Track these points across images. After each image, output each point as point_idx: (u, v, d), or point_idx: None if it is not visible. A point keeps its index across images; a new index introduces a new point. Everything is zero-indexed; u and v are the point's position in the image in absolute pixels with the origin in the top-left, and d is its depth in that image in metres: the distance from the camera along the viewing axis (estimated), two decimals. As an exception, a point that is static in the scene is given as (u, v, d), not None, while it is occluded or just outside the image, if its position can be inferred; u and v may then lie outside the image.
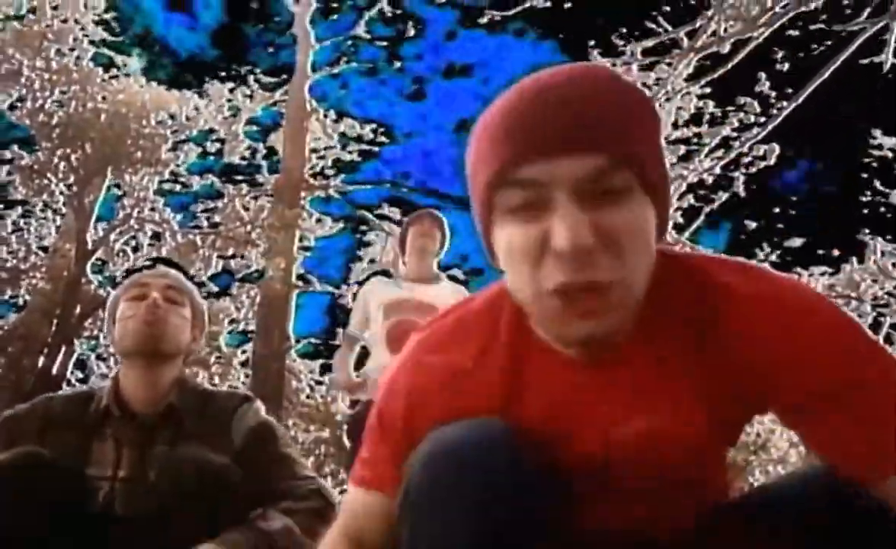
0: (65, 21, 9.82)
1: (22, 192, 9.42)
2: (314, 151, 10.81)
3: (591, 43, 9.40)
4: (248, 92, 11.19)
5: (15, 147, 9.28)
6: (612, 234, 0.61)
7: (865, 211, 9.78)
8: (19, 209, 9.60)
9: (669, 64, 8.07)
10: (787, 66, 8.02)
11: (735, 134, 9.70)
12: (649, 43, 8.05)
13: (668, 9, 8.56)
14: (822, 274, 11.52)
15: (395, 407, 0.78)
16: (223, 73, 11.47)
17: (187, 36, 12.60)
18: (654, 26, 8.21)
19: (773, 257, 12.57)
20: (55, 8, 9.75)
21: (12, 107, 9.05)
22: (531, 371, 0.74)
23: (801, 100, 5.50)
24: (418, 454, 0.70)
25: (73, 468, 1.26)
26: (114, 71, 10.29)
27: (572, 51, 10.61)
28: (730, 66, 6.11)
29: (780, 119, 6.25)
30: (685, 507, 0.77)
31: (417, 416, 0.76)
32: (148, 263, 1.54)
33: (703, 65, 7.16)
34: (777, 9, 4.56)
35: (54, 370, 8.64)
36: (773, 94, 9.48)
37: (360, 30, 11.91)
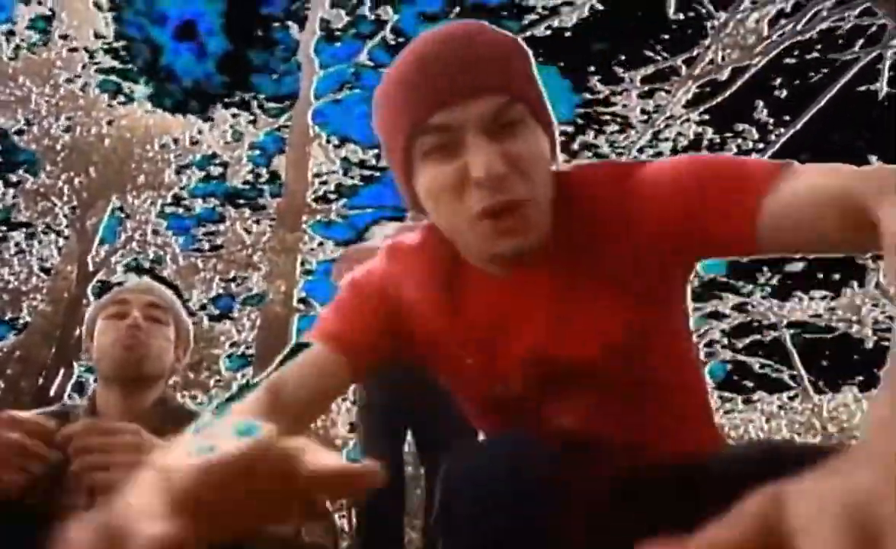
0: (74, 49, 9.98)
1: (26, 214, 9.48)
2: (316, 175, 10.90)
3: (592, 69, 9.55)
4: (252, 117, 11.32)
5: (21, 171, 9.37)
6: (518, 159, 0.71)
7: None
8: (23, 232, 9.65)
9: (668, 91, 8.18)
10: (784, 93, 8.13)
11: (734, 160, 9.81)
12: (648, 70, 8.17)
13: (666, 37, 8.70)
14: (823, 298, 11.53)
15: (369, 280, 0.88)
16: (227, 99, 11.62)
17: (194, 64, 12.79)
18: (652, 54, 8.34)
19: (774, 281, 12.60)
20: (65, 38, 9.93)
21: (20, 132, 9.16)
22: (468, 292, 0.84)
23: (798, 126, 5.58)
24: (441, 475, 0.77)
25: (45, 497, 1.11)
26: (120, 97, 10.43)
27: (573, 77, 10.74)
28: (728, 93, 6.21)
29: (778, 145, 6.33)
30: (637, 406, 0.82)
31: (390, 296, 0.85)
32: (131, 275, 1.44)
33: (702, 92, 7.26)
34: (773, 37, 4.64)
35: (52, 392, 8.61)
36: (771, 121, 9.59)
37: (363, 57, 12.08)
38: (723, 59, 5.67)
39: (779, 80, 8.59)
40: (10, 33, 9.78)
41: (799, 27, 4.53)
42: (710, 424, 0.91)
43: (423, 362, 0.89)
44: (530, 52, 0.78)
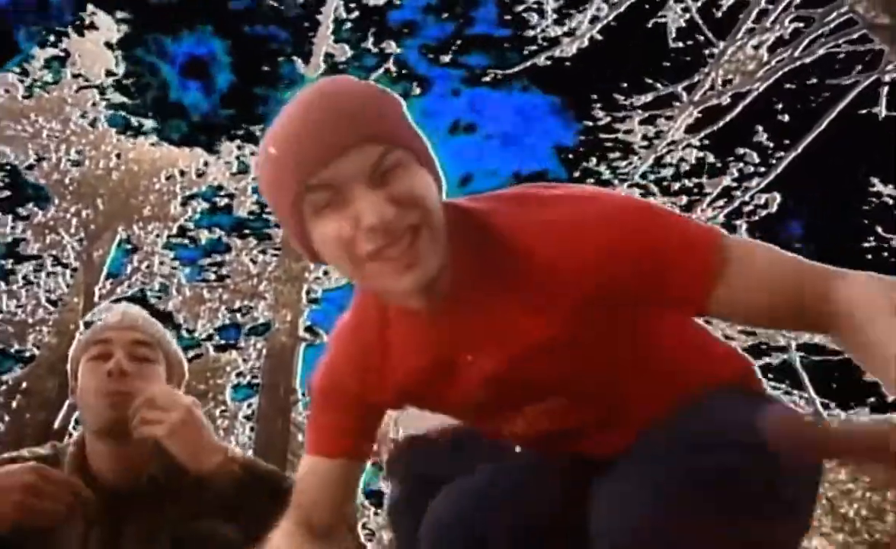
0: (86, 87, 10.19)
1: (34, 247, 9.57)
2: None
3: (593, 97, 9.66)
4: (257, 149, 11.45)
5: (30, 204, 9.49)
6: (405, 196, 0.74)
7: (869, 256, 9.81)
8: (31, 264, 9.72)
9: (670, 117, 8.26)
10: (785, 117, 8.19)
11: (735, 184, 9.86)
12: (649, 97, 8.26)
13: (666, 65, 8.81)
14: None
15: (326, 380, 0.96)
16: (233, 132, 11.77)
17: (200, 98, 13.01)
18: (653, 82, 8.44)
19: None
20: (77, 76, 10.14)
21: (30, 167, 9.31)
22: (394, 336, 0.90)
23: (800, 149, 5.61)
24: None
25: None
26: (128, 131, 10.61)
27: (575, 106, 10.86)
28: (729, 118, 6.26)
29: (780, 168, 6.37)
30: (596, 416, 0.89)
31: (340, 386, 0.94)
32: (112, 305, 1.35)
33: (703, 117, 7.32)
34: (773, 63, 4.70)
35: (56, 425, 8.59)
36: (772, 144, 9.66)
37: (367, 88, 12.24)
38: (723, 84, 5.74)
39: (779, 105, 8.67)
40: (25, 73, 10.00)
41: (797, 53, 4.59)
42: (698, 365, 0.91)
43: (406, 405, 0.98)
44: (400, 99, 0.82)
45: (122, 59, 11.34)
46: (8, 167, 9.46)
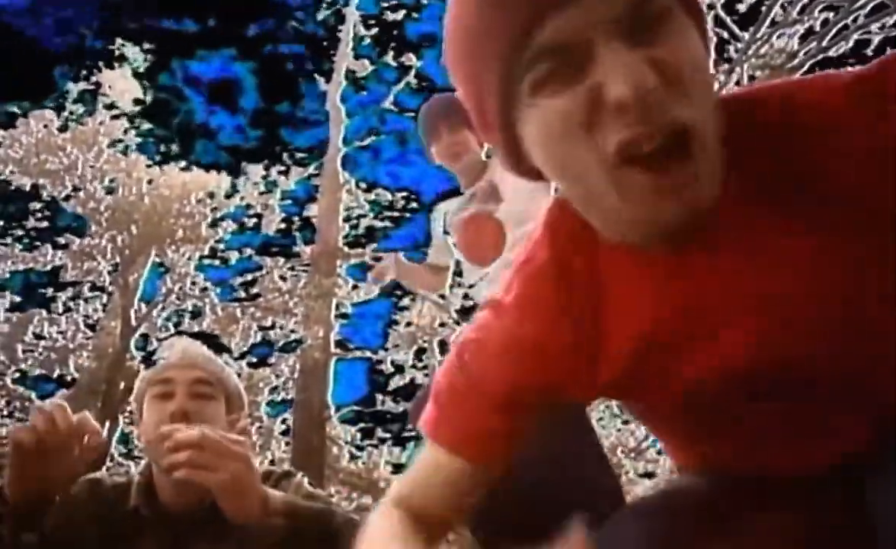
0: (117, 117, 10.51)
1: (72, 274, 9.84)
2: (347, 220, 11.09)
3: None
4: (284, 168, 11.63)
5: (68, 233, 9.80)
6: (672, 68, 0.48)
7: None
8: (70, 291, 10.00)
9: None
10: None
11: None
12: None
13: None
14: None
15: (489, 368, 0.65)
16: (259, 152, 11.99)
17: (226, 121, 13.29)
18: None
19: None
20: (108, 107, 10.48)
21: (67, 198, 9.62)
22: (614, 297, 0.61)
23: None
24: None
25: None
26: (158, 157, 10.89)
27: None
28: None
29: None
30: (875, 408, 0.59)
31: (515, 382, 0.64)
32: (175, 342, 1.36)
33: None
34: (801, 54, 4.63)
35: (100, 447, 8.76)
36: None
37: (389, 103, 12.37)
38: (750, 79, 5.66)
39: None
40: (61, 108, 10.36)
41: (825, 43, 4.52)
42: None
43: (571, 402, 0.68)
44: None
45: (149, 88, 11.67)
46: (47, 199, 9.78)
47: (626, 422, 10.13)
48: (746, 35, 5.28)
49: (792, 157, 0.55)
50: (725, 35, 6.79)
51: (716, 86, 6.55)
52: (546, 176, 0.57)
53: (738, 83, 6.26)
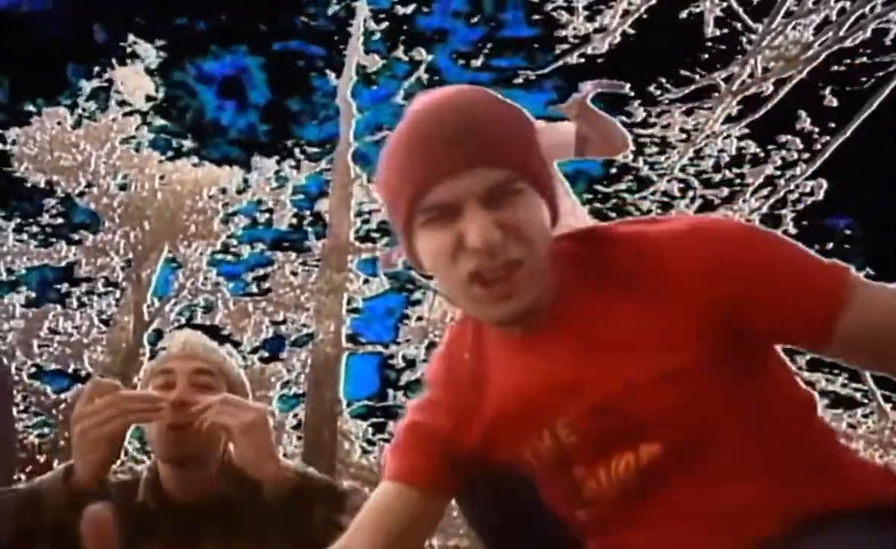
0: (129, 113, 10.58)
1: (86, 270, 9.93)
2: (359, 214, 11.10)
3: (634, 93, 9.50)
4: (295, 163, 11.66)
5: (82, 229, 9.89)
6: (514, 226, 0.73)
7: (926, 243, 9.40)
8: (84, 287, 10.10)
9: (709, 108, 8.08)
10: (834, 101, 7.89)
11: (779, 172, 9.58)
12: (686, 90, 8.08)
13: (702, 56, 8.63)
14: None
15: (418, 414, 0.94)
16: (271, 147, 12.01)
17: (238, 116, 13.33)
18: (689, 74, 8.28)
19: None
20: (120, 104, 10.55)
21: (81, 194, 9.71)
22: (491, 362, 0.86)
23: (848, 133, 5.42)
24: None
25: None
26: (169, 153, 10.95)
27: (609, 102, 10.70)
28: (770, 106, 6.08)
29: (828, 153, 6.16)
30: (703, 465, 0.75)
31: (431, 421, 0.92)
32: (176, 334, 1.38)
33: (743, 106, 7.13)
34: (816, 45, 4.56)
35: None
36: (817, 129, 9.35)
37: (400, 97, 12.35)
38: (763, 71, 5.59)
39: (825, 89, 8.36)
40: (74, 105, 10.45)
41: (842, 33, 4.44)
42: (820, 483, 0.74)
43: (488, 456, 0.90)
44: (533, 121, 0.81)
45: (161, 84, 11.72)
46: (62, 195, 9.87)
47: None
48: (760, 27, 5.21)
49: (612, 261, 0.80)
50: (739, 27, 6.70)
51: (729, 76, 6.47)
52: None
53: (751, 75, 6.18)
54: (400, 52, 12.52)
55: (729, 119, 7.08)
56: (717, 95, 7.24)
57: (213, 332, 9.77)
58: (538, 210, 0.77)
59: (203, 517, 1.22)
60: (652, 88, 9.01)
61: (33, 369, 9.21)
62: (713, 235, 0.77)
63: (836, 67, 6.89)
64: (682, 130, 9.74)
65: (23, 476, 8.06)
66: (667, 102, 8.81)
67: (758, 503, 0.72)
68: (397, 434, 0.94)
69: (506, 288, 0.74)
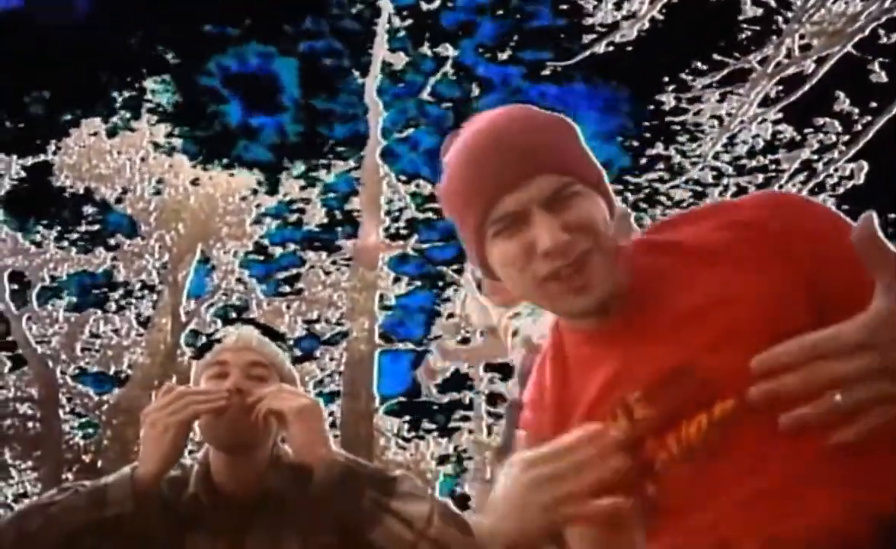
0: (161, 120, 10.81)
1: (123, 274, 10.15)
2: (389, 213, 11.14)
3: (658, 80, 9.35)
4: (324, 163, 11.75)
5: (119, 235, 10.11)
6: (578, 224, 0.79)
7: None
8: (121, 290, 10.32)
9: (741, 93, 7.90)
10: (883, 76, 7.58)
11: (816, 156, 9.33)
12: (719, 75, 7.93)
13: (734, 39, 8.43)
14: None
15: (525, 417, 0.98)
16: (300, 148, 12.13)
17: (267, 119, 13.51)
18: (722, 58, 8.11)
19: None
20: (151, 111, 10.79)
21: (118, 200, 9.94)
22: (571, 360, 0.90)
23: (894, 113, 5.24)
24: None
25: None
26: (200, 157, 11.13)
27: (639, 91, 10.55)
28: (809, 86, 5.93)
29: (871, 134, 5.98)
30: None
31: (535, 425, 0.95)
32: (230, 329, 1.43)
33: (780, 88, 6.96)
34: (863, 18, 4.41)
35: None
36: (856, 110, 9.07)
37: (426, 94, 12.35)
38: (803, 49, 5.44)
39: (875, 63, 8.00)
40: (109, 114, 10.70)
41: (888, 4, 4.29)
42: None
43: None
44: (577, 127, 0.87)
45: (190, 90, 11.92)
46: (99, 202, 10.12)
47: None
48: (798, 2, 5.08)
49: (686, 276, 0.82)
50: (774, 4, 6.54)
51: (764, 58, 6.32)
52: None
53: (788, 55, 6.03)
54: (426, 49, 12.52)
55: (764, 103, 6.93)
56: (752, 77, 7.09)
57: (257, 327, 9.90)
58: (598, 206, 0.82)
59: (252, 509, 1.23)
60: (683, 75, 8.87)
61: (77, 372, 9.45)
62: (791, 201, 0.80)
63: (884, 41, 6.64)
64: (714, 117, 9.56)
65: (69, 476, 8.30)
66: (699, 87, 8.66)
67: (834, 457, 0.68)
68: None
69: (581, 279, 0.78)
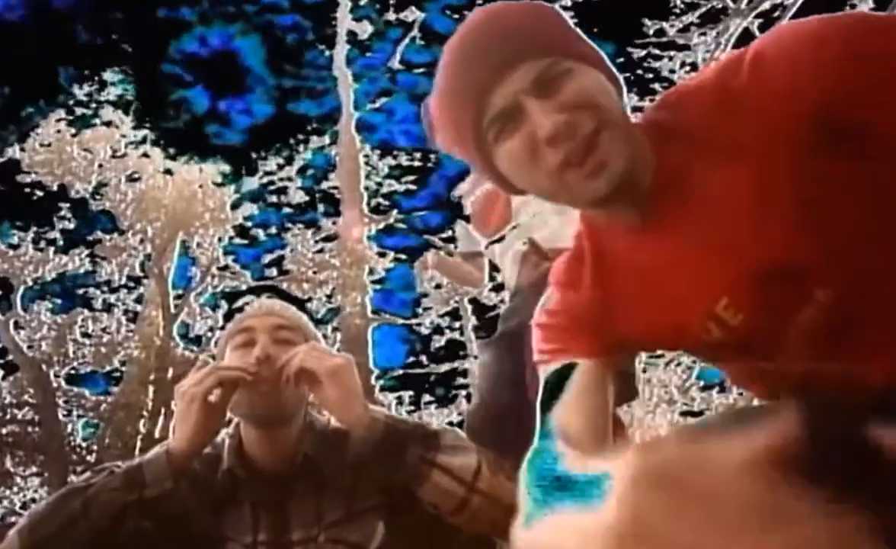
0: (125, 113, 10.55)
1: (107, 270, 9.98)
2: (367, 187, 11.06)
3: (640, 25, 9.29)
4: (299, 140, 11.59)
5: (98, 231, 9.91)
6: (575, 100, 0.73)
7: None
8: (106, 287, 10.16)
9: (717, 33, 7.93)
10: (870, 2, 7.63)
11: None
12: (693, 16, 7.91)
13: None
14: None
15: (551, 318, 0.92)
16: (273, 128, 11.93)
17: (236, 101, 13.23)
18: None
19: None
20: (113, 103, 10.53)
21: (93, 195, 9.72)
22: (610, 257, 0.86)
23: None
24: None
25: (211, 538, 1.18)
26: (172, 148, 10.91)
27: (612, 41, 10.53)
28: (788, 17, 5.95)
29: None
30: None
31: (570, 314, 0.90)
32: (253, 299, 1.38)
33: (758, 23, 6.98)
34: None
35: (157, 434, 9.01)
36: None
37: (396, 62, 12.18)
38: None
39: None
40: (71, 109, 10.41)
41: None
42: None
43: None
44: (561, 12, 0.81)
45: (153, 78, 11.61)
46: (75, 198, 9.88)
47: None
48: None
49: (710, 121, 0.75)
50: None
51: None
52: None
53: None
54: (391, 15, 12.31)
55: (742, 41, 6.96)
56: (727, 15, 7.11)
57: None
58: (595, 80, 0.76)
59: (291, 479, 1.21)
60: (658, 19, 8.85)
61: (70, 373, 9.33)
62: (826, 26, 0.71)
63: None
64: (685, 65, 9.58)
65: (75, 477, 8.24)
66: (673, 32, 8.66)
67: None
68: (546, 332, 0.92)
69: (595, 159, 0.72)
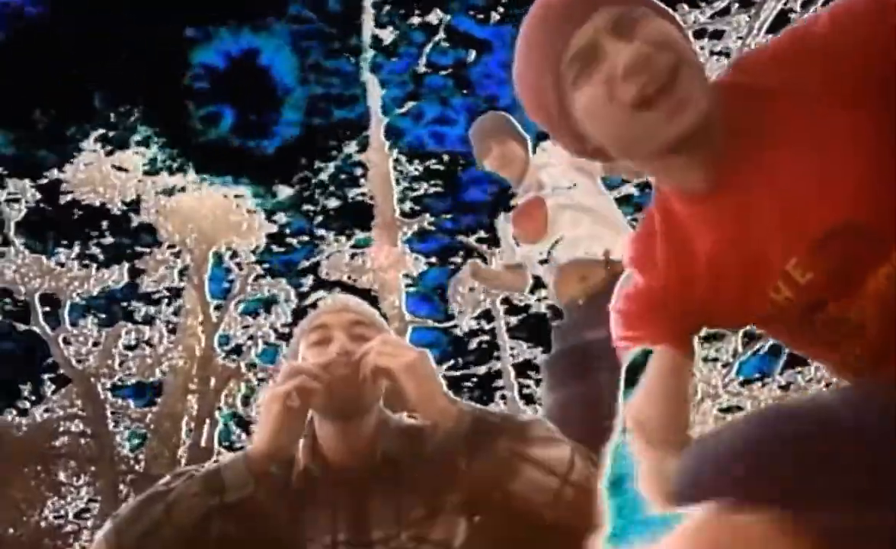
0: (158, 133, 10.81)
1: (148, 282, 10.19)
2: (400, 191, 11.10)
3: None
4: (330, 147, 11.70)
5: (137, 246, 10.15)
6: (654, 38, 0.74)
7: None
8: (147, 298, 10.37)
9: (748, 19, 7.80)
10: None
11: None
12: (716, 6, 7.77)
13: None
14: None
15: (629, 304, 0.94)
16: (304, 137, 12.07)
17: (268, 114, 13.44)
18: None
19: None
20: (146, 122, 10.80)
21: (133, 210, 9.97)
22: (679, 229, 0.86)
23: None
24: None
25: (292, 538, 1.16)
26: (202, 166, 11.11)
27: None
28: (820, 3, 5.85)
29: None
30: None
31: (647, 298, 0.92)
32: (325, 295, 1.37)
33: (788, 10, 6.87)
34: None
35: (202, 443, 9.15)
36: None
37: (422, 66, 12.24)
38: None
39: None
40: (107, 130, 10.69)
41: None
42: None
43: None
44: None
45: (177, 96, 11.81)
46: (115, 215, 10.13)
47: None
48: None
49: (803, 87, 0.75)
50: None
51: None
52: (604, 148, 0.82)
53: None
54: (415, 19, 12.36)
55: (776, 26, 6.84)
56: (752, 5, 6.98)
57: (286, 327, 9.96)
58: (667, 26, 0.78)
59: (369, 476, 1.18)
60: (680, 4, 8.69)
61: (116, 385, 9.54)
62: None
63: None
64: (713, 53, 9.43)
65: (125, 488, 8.42)
66: (704, 19, 8.54)
67: None
68: (625, 317, 0.94)
69: (675, 96, 0.72)
